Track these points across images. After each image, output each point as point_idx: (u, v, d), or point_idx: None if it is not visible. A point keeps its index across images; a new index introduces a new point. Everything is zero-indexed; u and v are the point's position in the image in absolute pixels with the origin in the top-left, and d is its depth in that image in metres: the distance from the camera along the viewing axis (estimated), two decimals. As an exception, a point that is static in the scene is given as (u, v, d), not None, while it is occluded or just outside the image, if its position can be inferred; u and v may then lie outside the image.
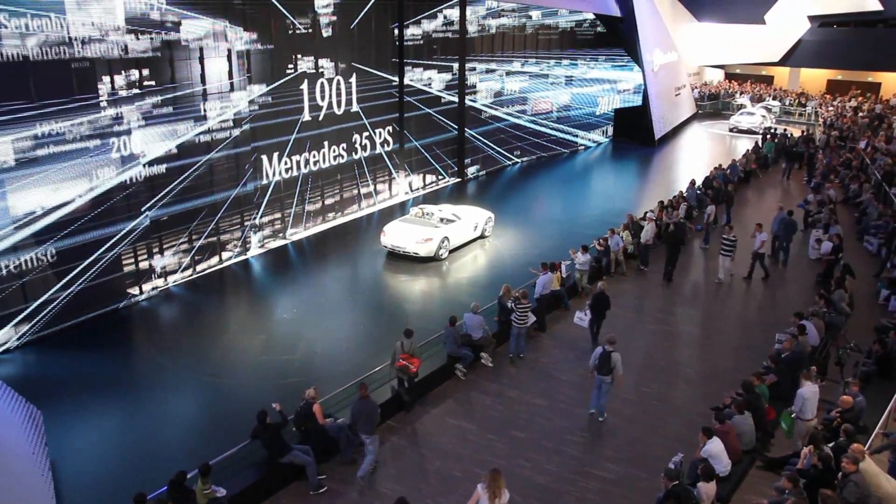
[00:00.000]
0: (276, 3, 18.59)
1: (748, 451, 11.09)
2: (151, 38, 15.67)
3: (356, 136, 22.46)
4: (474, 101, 27.82)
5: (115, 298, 15.89)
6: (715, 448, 10.14)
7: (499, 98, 28.92)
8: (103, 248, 15.29)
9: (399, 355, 12.50)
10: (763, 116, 39.45)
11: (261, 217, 19.60)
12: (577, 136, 33.97)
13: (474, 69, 27.53)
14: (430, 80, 25.51)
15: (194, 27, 16.65)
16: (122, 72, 15.18)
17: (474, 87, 27.54)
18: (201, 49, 16.98)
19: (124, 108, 15.29)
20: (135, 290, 16.42)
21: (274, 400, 11.25)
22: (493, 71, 28.71)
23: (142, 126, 15.77)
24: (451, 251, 19.70)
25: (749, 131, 38.58)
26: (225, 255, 18.72)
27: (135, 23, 15.21)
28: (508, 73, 29.31)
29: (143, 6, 15.36)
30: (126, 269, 16.12)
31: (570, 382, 13.75)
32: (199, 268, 18.04)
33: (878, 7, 41.57)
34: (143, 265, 16.59)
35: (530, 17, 29.80)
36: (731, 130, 39.61)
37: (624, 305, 17.33)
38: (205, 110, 17.30)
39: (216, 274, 18.29)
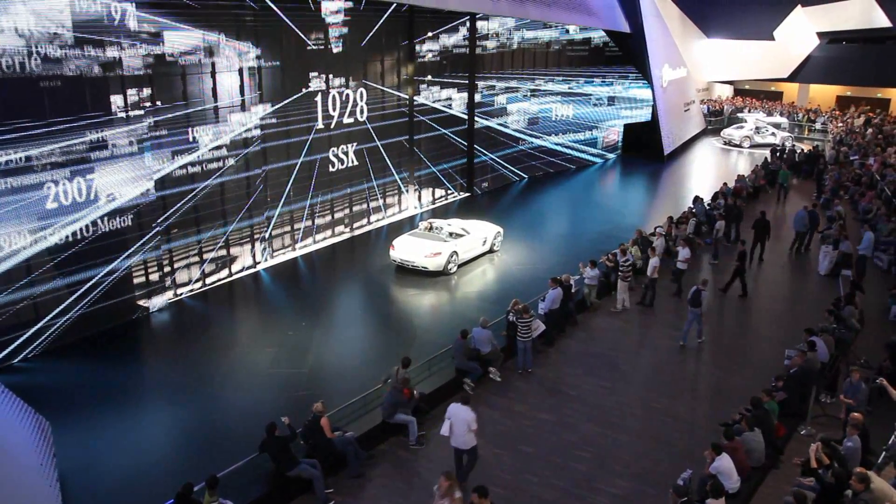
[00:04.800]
0: (285, 19, 18.76)
1: (757, 467, 11.02)
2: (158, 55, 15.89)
3: (365, 151, 22.58)
4: (505, 126, 28.47)
5: (125, 311, 15.99)
6: (724, 464, 10.08)
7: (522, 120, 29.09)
8: (116, 261, 15.41)
9: (392, 382, 12.51)
10: (756, 130, 39.62)
11: (271, 230, 19.70)
12: (585, 151, 34.01)
13: (493, 87, 27.78)
14: (449, 98, 25.85)
15: (186, 41, 16.61)
16: (135, 89, 15.41)
17: (495, 105, 27.78)
18: (213, 65, 17.19)
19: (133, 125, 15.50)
20: (145, 303, 16.51)
21: (282, 413, 11.28)
22: (514, 90, 28.98)
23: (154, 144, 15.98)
24: (459, 265, 19.73)
25: (739, 145, 39.29)
26: (235, 267, 18.81)
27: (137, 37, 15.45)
28: (523, 91, 29.48)
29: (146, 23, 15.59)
30: (137, 280, 16.22)
31: (577, 397, 13.71)
32: (209, 280, 18.14)
33: (887, 23, 41.55)
34: (154, 277, 16.71)
35: (534, 35, 29.99)
36: (725, 145, 39.88)
37: (632, 320, 17.32)
38: (218, 127, 17.50)
39: (226, 286, 18.38)
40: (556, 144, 32.17)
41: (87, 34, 14.12)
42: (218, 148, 17.66)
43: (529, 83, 30.32)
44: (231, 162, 18.04)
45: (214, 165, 17.66)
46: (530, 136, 30.71)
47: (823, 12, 42.84)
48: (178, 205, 16.92)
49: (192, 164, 17.09)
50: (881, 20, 41.54)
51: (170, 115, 16.30)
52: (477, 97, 27.16)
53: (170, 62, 16.21)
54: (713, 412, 13.07)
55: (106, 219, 15.05)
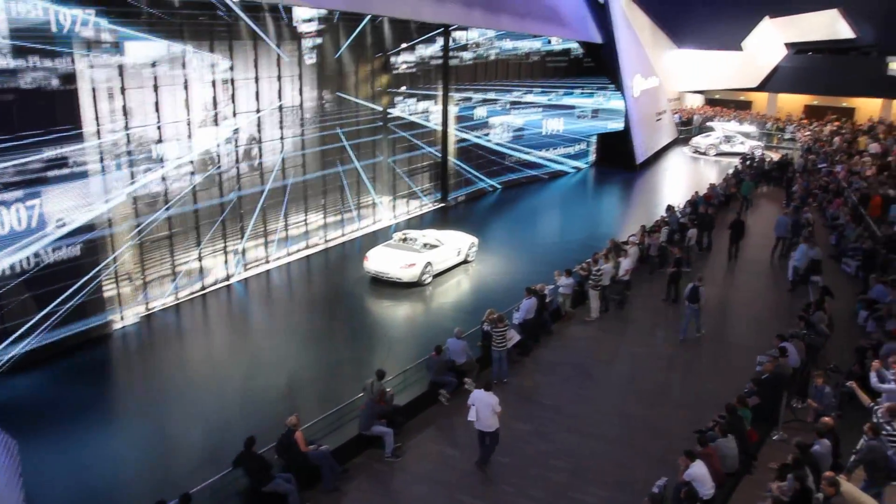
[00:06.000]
0: (258, 30, 18.69)
1: (731, 473, 11.09)
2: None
3: (339, 163, 22.51)
4: (482, 137, 28.76)
5: (95, 325, 15.71)
6: (699, 471, 10.12)
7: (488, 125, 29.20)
8: (87, 276, 15.16)
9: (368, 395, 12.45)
10: (726, 138, 40.33)
11: (244, 242, 19.54)
12: (559, 161, 34.21)
13: (470, 99, 27.91)
14: (425, 110, 25.99)
15: (151, 51, 16.29)
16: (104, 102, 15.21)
17: (471, 116, 27.90)
18: (182, 77, 17.04)
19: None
20: (116, 317, 16.26)
21: (254, 427, 11.15)
22: (491, 101, 29.16)
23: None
24: (434, 276, 19.70)
25: (705, 153, 40.11)
26: (208, 280, 18.62)
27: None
28: (493, 102, 29.62)
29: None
30: (107, 294, 15.97)
31: (553, 407, 13.72)
32: (181, 294, 17.93)
33: (851, 35, 42.53)
34: (125, 291, 16.47)
35: (508, 46, 30.18)
36: (695, 153, 40.58)
37: (606, 329, 17.41)
38: (189, 141, 17.36)
39: (199, 300, 18.18)
40: (532, 154, 32.32)
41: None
42: (188, 162, 17.50)
43: (508, 94, 30.48)
44: (200, 179, 17.86)
45: (184, 180, 17.49)
46: (507, 146, 30.82)
47: (790, 23, 43.66)
48: (150, 219, 16.72)
49: (162, 178, 16.92)
50: (845, 32, 42.53)
51: (135, 129, 16.12)
52: (454, 109, 27.24)
53: (134, 74, 15.96)
54: (688, 419, 13.13)
55: (66, 239, 14.72)
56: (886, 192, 24.70)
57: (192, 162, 17.61)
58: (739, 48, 44.33)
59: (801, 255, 19.77)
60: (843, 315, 17.31)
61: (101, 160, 15.39)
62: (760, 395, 12.69)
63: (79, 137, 14.65)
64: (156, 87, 16.44)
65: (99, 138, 15.27)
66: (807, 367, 14.06)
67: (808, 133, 41.68)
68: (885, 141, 35.61)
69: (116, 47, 15.40)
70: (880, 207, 23.75)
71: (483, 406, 11.47)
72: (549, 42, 32.24)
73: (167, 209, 17.13)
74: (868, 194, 25.00)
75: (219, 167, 18.41)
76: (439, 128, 26.96)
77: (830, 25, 42.67)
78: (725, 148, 40.26)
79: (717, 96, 50.55)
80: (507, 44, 29.90)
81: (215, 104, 17.96)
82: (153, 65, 16.28)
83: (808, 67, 45.03)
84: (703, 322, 16.99)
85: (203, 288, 18.48)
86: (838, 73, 43.75)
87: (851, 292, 18.98)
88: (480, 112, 29.05)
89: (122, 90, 15.68)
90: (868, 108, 45.14)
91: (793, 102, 47.87)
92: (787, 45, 44.91)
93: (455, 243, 20.71)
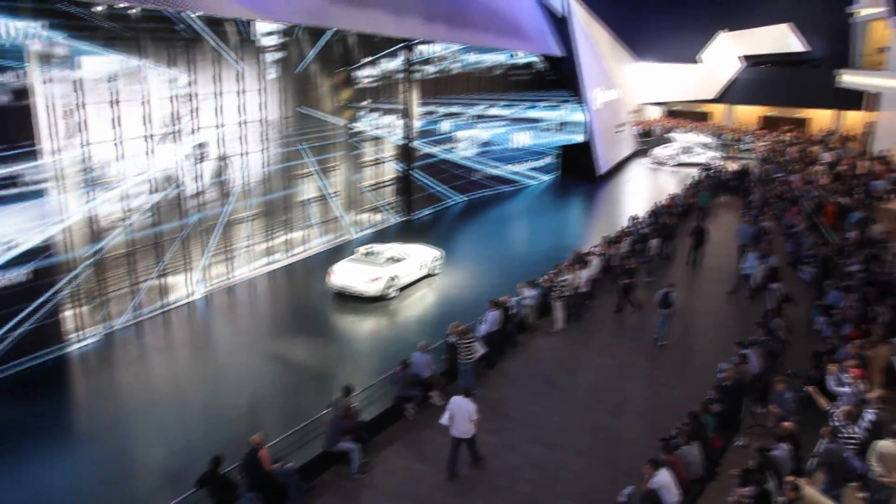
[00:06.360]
0: (218, 43, 18.55)
1: (696, 480, 11.20)
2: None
3: (302, 178, 22.40)
4: (450, 153, 28.59)
5: (54, 344, 15.35)
6: (664, 479, 10.20)
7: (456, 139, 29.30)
8: (47, 294, 14.83)
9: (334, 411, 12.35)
10: (685, 149, 41.19)
11: (207, 259, 19.29)
12: (522, 173, 34.48)
13: (433, 113, 28.01)
14: (389, 125, 26.03)
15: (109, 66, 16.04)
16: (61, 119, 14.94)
17: (434, 130, 27.93)
18: (142, 93, 16.82)
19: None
20: (75, 336, 15.91)
21: (218, 447, 10.97)
22: (456, 115, 29.30)
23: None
24: (399, 290, 19.65)
25: (664, 163, 41.06)
26: (170, 297, 18.32)
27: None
28: (456, 116, 29.76)
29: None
30: (66, 313, 15.64)
31: (520, 419, 13.74)
32: (143, 311, 17.61)
33: (802, 48, 43.90)
34: (85, 309, 16.14)
35: (473, 60, 30.39)
36: (654, 164, 41.42)
37: (571, 340, 17.51)
38: (148, 158, 17.12)
39: (160, 317, 17.88)
40: (496, 168, 32.53)
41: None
42: (149, 179, 17.27)
43: (472, 108, 30.64)
44: (160, 196, 17.62)
45: (144, 198, 17.23)
46: (471, 160, 30.96)
47: (745, 37, 44.92)
48: (109, 237, 16.43)
49: (122, 196, 16.66)
50: (796, 45, 43.90)
51: (93, 146, 15.87)
52: (418, 123, 27.31)
53: (91, 89, 15.71)
54: (652, 428, 13.25)
55: (24, 257, 14.40)
56: (839, 201, 25.35)
57: (152, 179, 17.36)
58: (697, 61, 45.46)
59: (750, 262, 20.17)
60: (800, 321, 17.65)
61: (59, 178, 15.09)
62: (723, 401, 12.85)
63: (33, 155, 14.35)
64: (114, 103, 16.19)
65: (56, 155, 14.98)
66: (767, 374, 14.30)
67: (765, 143, 42.67)
68: (837, 150, 36.59)
69: (71, 62, 15.12)
70: (834, 215, 24.36)
71: (461, 412, 11.74)
72: (513, 56, 32.59)
73: (127, 227, 16.85)
74: (822, 203, 25.64)
75: (180, 184, 18.18)
76: (403, 142, 26.99)
77: (782, 39, 44.03)
78: (684, 159, 41.08)
79: (676, 108, 51.56)
80: (472, 57, 30.14)
81: (176, 120, 17.76)
82: (111, 80, 16.04)
83: (763, 79, 46.33)
84: (671, 328, 17.22)
85: (165, 305, 18.18)
86: (791, 85, 45.09)
87: (808, 298, 19.38)
88: (445, 126, 29.17)
89: (80, 106, 15.43)
90: (820, 118, 46.46)
91: (749, 114, 49.06)
92: (742, 57, 46.18)
93: (419, 257, 20.70)
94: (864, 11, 38.09)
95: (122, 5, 14.92)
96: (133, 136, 16.77)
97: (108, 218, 16.46)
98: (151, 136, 17.17)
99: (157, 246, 17.81)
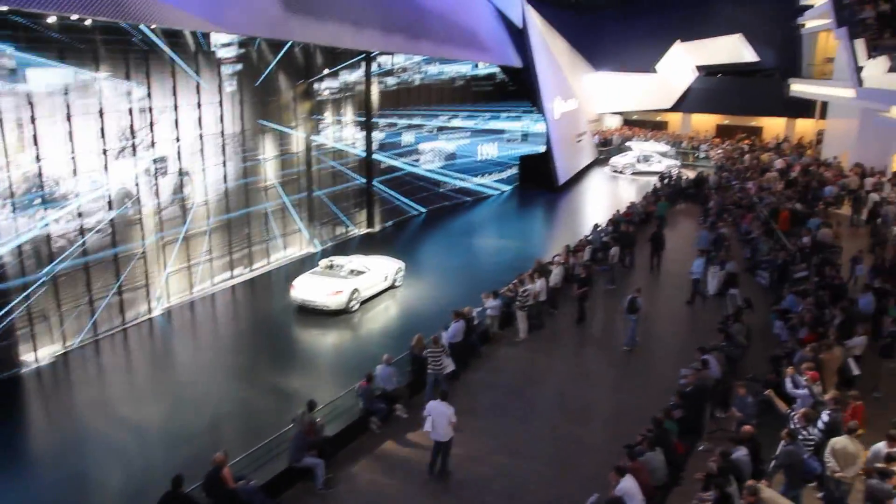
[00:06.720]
0: (174, 56, 18.31)
1: (660, 486, 11.30)
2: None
3: (263, 191, 22.20)
4: (411, 164, 28.63)
5: (6, 365, 14.95)
6: (629, 485, 10.26)
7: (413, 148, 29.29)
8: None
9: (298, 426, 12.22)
10: (644, 158, 41.91)
11: (167, 273, 18.96)
12: (483, 184, 34.64)
13: (395, 125, 27.95)
14: (350, 136, 25.95)
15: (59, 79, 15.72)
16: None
17: (396, 141, 27.89)
18: (97, 106, 16.51)
19: None
20: (30, 356, 15.49)
21: (180, 466, 10.76)
22: (418, 126, 29.30)
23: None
24: (362, 303, 19.55)
25: (621, 171, 41.80)
26: (129, 314, 17.96)
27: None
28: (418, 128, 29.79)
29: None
30: (20, 332, 15.24)
31: (485, 429, 13.73)
32: (100, 329, 17.24)
33: (754, 58, 45.03)
34: (40, 328, 15.73)
35: (432, 72, 30.49)
36: (613, 172, 42.15)
37: (535, 349, 17.59)
38: (104, 173, 16.79)
39: (119, 335, 17.51)
40: (458, 179, 32.63)
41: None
42: (105, 194, 16.95)
43: (434, 119, 30.70)
44: (118, 210, 17.30)
45: (101, 213, 16.90)
46: (433, 172, 31.01)
47: (699, 47, 45.85)
48: (66, 252, 16.06)
49: (78, 212, 16.33)
50: (749, 55, 45.00)
51: (45, 161, 15.53)
52: (380, 135, 27.28)
53: (42, 102, 15.37)
54: (616, 435, 13.34)
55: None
56: (794, 207, 25.93)
57: (109, 194, 17.04)
58: (654, 70, 46.22)
59: (697, 267, 20.56)
60: (759, 325, 17.98)
61: (9, 194, 14.72)
62: (685, 407, 13.00)
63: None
64: (68, 117, 15.87)
65: (6, 171, 14.63)
66: (727, 378, 14.51)
67: (721, 151, 43.52)
68: (790, 157, 37.48)
69: (21, 74, 14.78)
70: (788, 221, 24.91)
71: (439, 416, 11.92)
72: (476, 66, 32.78)
73: (83, 244, 16.49)
74: (777, 209, 26.20)
75: (138, 199, 17.86)
76: (364, 154, 26.93)
77: (735, 49, 45.06)
78: (642, 167, 41.71)
79: (634, 117, 52.34)
80: (434, 68, 30.24)
81: (132, 134, 17.46)
82: (63, 93, 15.72)
83: (718, 89, 47.34)
84: (638, 332, 17.54)
85: (124, 323, 17.81)
86: (745, 94, 46.15)
87: (766, 303, 19.76)
88: (408, 138, 29.18)
89: (31, 119, 15.09)
90: (774, 126, 47.62)
91: (705, 122, 50.01)
92: (697, 67, 47.10)
93: (382, 269, 20.63)
94: (811, 23, 39.18)
95: (74, 18, 14.64)
96: (88, 150, 16.45)
97: (64, 235, 16.09)
98: (107, 150, 16.85)
99: (115, 262, 17.47)
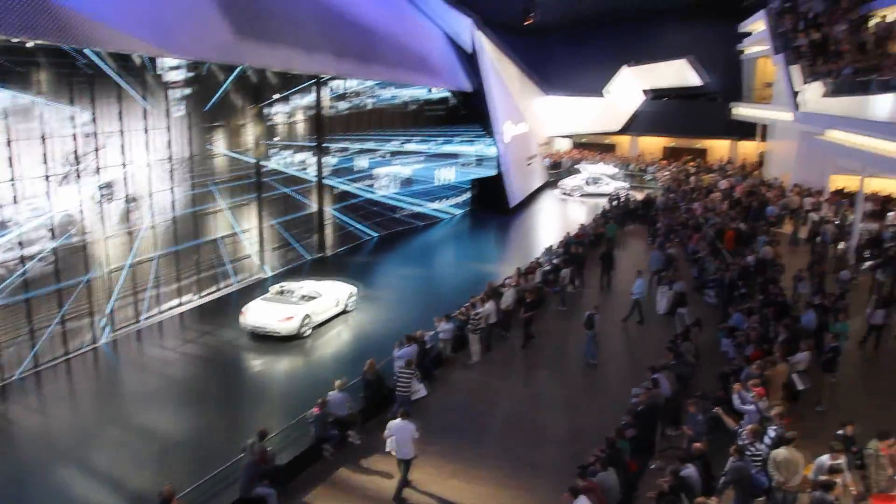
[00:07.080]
0: (121, 81, 18.01)
1: (614, 506, 11.37)
2: None
3: (212, 217, 21.89)
4: (363, 189, 28.66)
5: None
6: (584, 506, 10.31)
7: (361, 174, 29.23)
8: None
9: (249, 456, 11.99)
10: (593, 180, 42.74)
11: (113, 301, 18.49)
12: (435, 208, 34.75)
13: (347, 150, 27.92)
14: (302, 161, 25.84)
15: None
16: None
17: (349, 166, 27.82)
18: (39, 131, 16.11)
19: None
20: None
21: (126, 501, 10.44)
22: (370, 151, 29.30)
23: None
24: (314, 328, 19.35)
25: (570, 194, 42.82)
26: (72, 344, 17.42)
27: None
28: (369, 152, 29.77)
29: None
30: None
31: (439, 453, 13.65)
32: (42, 360, 16.67)
33: (699, 82, 46.41)
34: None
35: (384, 96, 30.59)
36: (563, 195, 42.98)
37: (488, 372, 17.61)
38: (47, 199, 16.36)
39: (62, 366, 16.97)
40: (411, 203, 32.68)
41: None
42: (47, 221, 16.50)
43: (387, 144, 30.71)
44: (61, 238, 16.85)
45: (43, 242, 16.44)
46: (386, 196, 30.99)
47: (646, 72, 47.07)
48: (5, 282, 15.56)
49: (19, 240, 15.85)
50: (693, 79, 46.37)
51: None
52: (332, 160, 27.19)
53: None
54: (570, 455, 13.40)
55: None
56: (738, 227, 26.63)
57: (52, 221, 16.59)
58: (602, 94, 47.26)
59: (638, 287, 20.92)
60: (707, 343, 18.33)
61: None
62: (637, 426, 13.14)
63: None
64: (8, 142, 15.45)
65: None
66: (678, 397, 14.73)
67: (668, 173, 44.54)
68: (734, 178, 38.56)
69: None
70: (733, 240, 25.57)
71: (402, 434, 12.15)
72: (429, 91, 33.00)
73: (24, 272, 15.99)
74: (723, 229, 26.87)
75: (83, 225, 17.43)
76: (316, 178, 26.80)
77: (681, 73, 46.40)
78: (591, 189, 42.43)
79: (583, 140, 53.27)
80: (387, 92, 30.31)
81: (77, 159, 17.07)
82: (4, 116, 15.30)
83: (665, 112, 48.61)
84: (595, 348, 18.05)
85: (68, 353, 17.28)
86: (690, 117, 47.50)
87: (714, 321, 20.17)
88: (361, 163, 29.12)
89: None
90: (719, 148, 49.02)
91: (653, 144, 51.20)
92: (644, 91, 48.30)
93: (334, 294, 20.47)
94: (751, 49, 40.62)
95: (15, 40, 14.31)
96: (30, 176, 16.02)
97: (3, 264, 15.58)
98: (50, 176, 16.44)
99: (59, 291, 16.96)
